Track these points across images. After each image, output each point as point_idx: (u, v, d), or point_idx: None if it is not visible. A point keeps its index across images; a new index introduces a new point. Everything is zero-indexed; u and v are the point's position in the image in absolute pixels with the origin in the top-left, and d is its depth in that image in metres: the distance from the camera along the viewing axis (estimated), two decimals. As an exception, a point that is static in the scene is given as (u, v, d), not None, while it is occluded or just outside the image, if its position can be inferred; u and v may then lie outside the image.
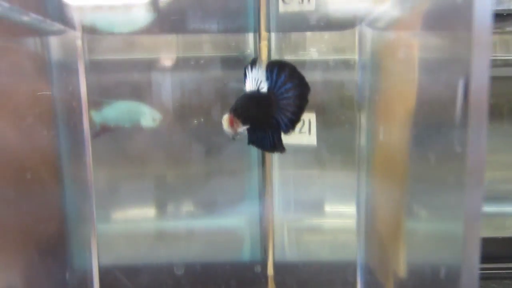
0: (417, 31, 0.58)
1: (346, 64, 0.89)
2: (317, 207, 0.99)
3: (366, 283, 0.91)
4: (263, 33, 0.90)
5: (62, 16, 0.78)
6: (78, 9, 0.75)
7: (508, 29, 1.03)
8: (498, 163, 1.10)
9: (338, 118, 0.92)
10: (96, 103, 0.91)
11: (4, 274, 0.63)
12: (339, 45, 0.89)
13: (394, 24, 0.68)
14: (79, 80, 0.88)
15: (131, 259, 0.98)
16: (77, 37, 0.88)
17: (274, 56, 0.93)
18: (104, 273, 0.95)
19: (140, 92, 0.93)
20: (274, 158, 0.96)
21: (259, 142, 0.72)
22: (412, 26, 0.60)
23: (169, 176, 0.98)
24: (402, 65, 0.65)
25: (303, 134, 0.92)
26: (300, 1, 0.83)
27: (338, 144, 0.93)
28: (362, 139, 0.89)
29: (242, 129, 0.67)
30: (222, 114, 0.90)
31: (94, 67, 0.90)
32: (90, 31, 0.87)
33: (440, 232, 0.54)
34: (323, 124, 0.91)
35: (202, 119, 0.93)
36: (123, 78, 0.92)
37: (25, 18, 0.67)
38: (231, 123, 0.67)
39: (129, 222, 0.98)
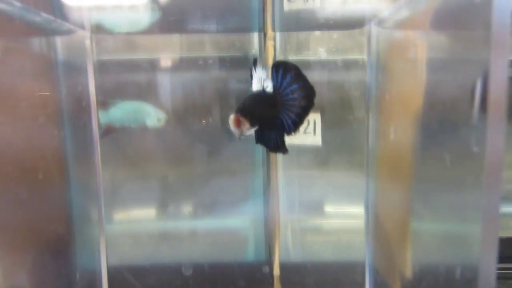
0: (430, 31, 0.57)
1: (354, 64, 0.89)
2: (323, 208, 0.99)
3: (375, 284, 0.90)
4: (270, 33, 0.89)
5: (71, 16, 0.77)
6: (87, 8, 0.75)
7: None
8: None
9: (345, 119, 0.91)
10: (102, 103, 0.90)
11: (12, 274, 0.63)
12: (346, 45, 0.89)
13: (405, 24, 0.68)
14: (88, 80, 0.88)
15: (137, 260, 0.97)
16: (86, 37, 0.88)
17: (279, 56, 0.92)
18: (111, 273, 0.95)
19: (145, 93, 0.93)
20: (279, 158, 0.96)
21: (264, 141, 0.72)
22: (424, 25, 0.60)
23: (174, 177, 0.97)
24: (413, 64, 0.64)
25: (308, 135, 0.92)
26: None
27: (345, 144, 0.93)
28: (371, 140, 0.88)
29: (249, 128, 0.67)
30: (226, 113, 0.91)
31: (100, 67, 0.90)
32: (98, 31, 0.87)
33: (452, 232, 0.53)
34: (330, 124, 0.91)
35: (210, 119, 0.93)
36: (129, 78, 0.92)
37: (37, 18, 0.66)
38: (238, 123, 0.66)
39: (135, 223, 0.98)
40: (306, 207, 0.99)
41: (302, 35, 0.93)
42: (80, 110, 0.86)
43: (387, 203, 0.84)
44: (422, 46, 0.61)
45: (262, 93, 0.70)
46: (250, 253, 1.00)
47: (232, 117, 0.67)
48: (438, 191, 0.59)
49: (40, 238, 0.71)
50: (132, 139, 0.94)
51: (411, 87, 0.67)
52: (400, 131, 0.73)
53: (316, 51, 0.91)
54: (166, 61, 0.93)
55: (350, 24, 0.85)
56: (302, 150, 0.94)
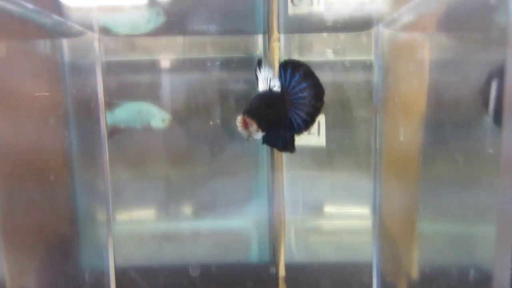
0: (439, 32, 0.58)
1: (362, 66, 0.89)
2: (327, 208, 0.99)
3: (383, 285, 0.90)
4: (275, 34, 0.90)
5: (80, 17, 0.78)
6: (96, 10, 0.75)
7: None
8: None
9: (351, 119, 0.92)
10: (107, 104, 0.90)
11: (20, 275, 0.63)
12: (351, 46, 0.89)
13: (414, 25, 0.68)
14: (96, 82, 0.88)
15: (141, 260, 0.97)
16: (94, 39, 0.88)
17: (284, 58, 0.92)
18: (117, 273, 0.95)
19: (151, 94, 0.93)
20: (284, 158, 0.96)
21: (272, 141, 0.72)
22: (434, 27, 0.60)
23: (178, 177, 0.97)
24: (422, 66, 0.65)
25: (312, 135, 0.92)
26: (310, 2, 0.83)
27: (350, 145, 0.93)
28: (378, 140, 0.89)
29: (257, 129, 0.67)
30: (232, 114, 0.92)
31: (105, 68, 0.90)
32: (105, 32, 0.88)
33: (463, 233, 0.53)
34: (335, 125, 0.91)
35: (218, 120, 0.93)
36: (134, 79, 0.92)
37: (48, 21, 0.66)
38: (245, 125, 0.66)
39: (138, 223, 0.98)
40: (310, 207, 0.99)
41: (306, 36, 0.93)
42: (88, 111, 0.86)
43: (393, 204, 0.84)
44: (432, 47, 0.61)
45: (269, 93, 0.70)
46: (254, 254, 1.00)
47: (239, 119, 0.67)
48: (447, 192, 0.59)
49: (48, 239, 0.71)
50: (136, 140, 0.94)
51: (420, 88, 0.67)
52: (407, 132, 0.73)
53: (320, 52, 0.91)
54: (172, 62, 0.93)
55: (358, 26, 0.85)
56: (307, 151, 0.94)
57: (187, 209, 0.99)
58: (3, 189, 0.60)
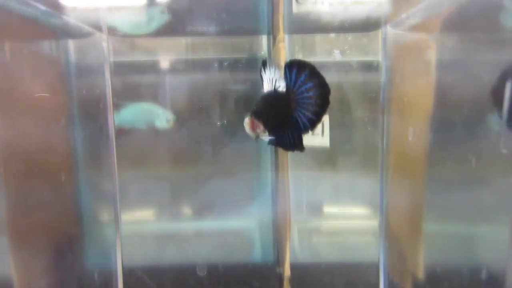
0: (450, 33, 0.58)
1: (369, 66, 0.90)
2: (332, 209, 0.99)
3: (390, 286, 0.90)
4: (281, 34, 0.90)
5: (87, 18, 0.78)
6: (103, 10, 0.75)
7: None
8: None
9: (356, 120, 0.92)
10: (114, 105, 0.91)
11: (28, 274, 0.63)
12: (357, 47, 0.89)
13: (424, 26, 0.68)
14: (105, 82, 0.88)
15: (144, 260, 0.97)
16: (103, 39, 0.88)
17: (289, 58, 0.92)
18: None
19: (155, 94, 0.93)
20: (289, 158, 0.96)
21: (278, 142, 0.72)
22: (444, 27, 0.60)
23: (182, 178, 0.97)
24: (431, 66, 0.65)
25: (316, 136, 0.92)
26: (314, 2, 0.83)
27: (355, 145, 0.93)
28: (385, 141, 0.89)
29: (264, 130, 0.67)
30: (237, 114, 0.92)
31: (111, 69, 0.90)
32: (112, 33, 0.88)
33: (472, 234, 0.54)
34: (340, 125, 0.91)
35: (225, 121, 0.93)
36: (138, 80, 0.92)
37: (58, 21, 0.66)
38: (252, 126, 0.67)
39: (141, 223, 0.98)
40: (314, 208, 0.99)
41: (310, 37, 0.93)
42: (98, 111, 0.86)
43: (399, 204, 0.85)
44: (440, 48, 0.61)
45: (274, 93, 0.70)
46: (258, 254, 1.00)
47: (246, 121, 0.67)
48: (453, 192, 0.59)
49: (56, 239, 0.71)
50: (141, 140, 0.94)
51: (427, 89, 0.67)
52: (414, 132, 0.73)
53: (326, 52, 0.91)
54: (175, 63, 0.93)
55: (365, 26, 0.86)
56: (310, 151, 0.94)
57: (191, 209, 0.99)
58: (12, 189, 0.60)
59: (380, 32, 0.86)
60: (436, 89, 0.64)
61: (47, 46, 0.70)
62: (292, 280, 0.96)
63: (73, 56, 0.79)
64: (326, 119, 0.92)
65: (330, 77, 0.90)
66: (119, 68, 0.90)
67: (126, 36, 0.89)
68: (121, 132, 0.92)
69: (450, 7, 0.56)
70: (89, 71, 0.86)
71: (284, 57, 0.90)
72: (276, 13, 0.85)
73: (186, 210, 0.99)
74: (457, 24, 0.57)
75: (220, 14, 0.83)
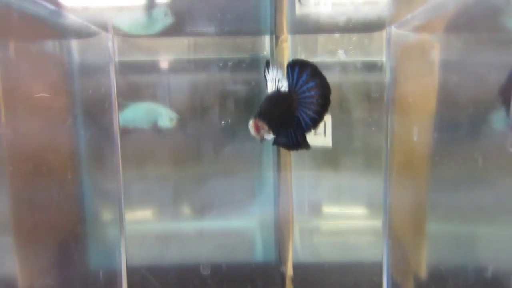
0: (455, 33, 0.58)
1: (373, 67, 0.90)
2: (334, 208, 0.99)
3: (393, 285, 0.91)
4: (285, 35, 0.90)
5: (94, 18, 0.78)
6: (109, 10, 0.75)
7: None
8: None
9: (358, 120, 0.92)
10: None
11: (32, 273, 0.63)
12: (360, 47, 0.90)
13: (428, 26, 0.69)
14: (110, 82, 0.88)
15: (147, 260, 0.97)
16: (108, 39, 0.88)
17: (291, 58, 0.93)
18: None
19: (157, 94, 0.93)
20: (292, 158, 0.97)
21: (283, 141, 0.73)
22: (450, 27, 0.60)
23: (185, 177, 0.97)
24: (435, 67, 0.65)
25: (318, 136, 0.93)
26: (317, 2, 0.83)
27: (361, 145, 0.93)
28: (389, 141, 0.89)
29: (268, 131, 0.68)
30: (237, 113, 0.92)
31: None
32: (117, 33, 0.88)
33: (477, 234, 0.54)
34: (343, 125, 0.91)
35: (229, 120, 0.93)
36: (141, 80, 0.92)
37: (64, 21, 0.67)
38: (257, 129, 0.67)
39: (142, 223, 0.98)
40: (316, 207, 0.99)
41: (314, 37, 0.93)
42: (102, 111, 0.86)
43: (402, 203, 0.85)
44: (444, 48, 0.62)
45: (277, 93, 0.71)
46: (259, 253, 1.01)
47: (251, 123, 0.67)
48: (460, 192, 0.59)
49: (61, 238, 0.71)
50: (144, 140, 0.94)
51: (431, 89, 0.67)
52: (420, 132, 0.74)
53: (329, 52, 0.91)
54: (176, 63, 0.94)
55: (369, 27, 0.86)
56: (313, 151, 0.95)
57: (194, 209, 0.99)
58: (17, 188, 0.60)
59: (384, 33, 0.87)
60: (440, 89, 0.64)
61: (53, 45, 0.70)
62: (294, 279, 0.96)
63: (79, 56, 0.80)
64: (328, 119, 0.92)
65: (334, 77, 0.91)
66: (122, 68, 0.91)
67: (129, 35, 0.89)
68: (124, 131, 0.92)
69: (454, 8, 0.56)
70: (95, 70, 0.86)
71: (287, 57, 0.90)
72: (280, 13, 0.86)
73: (189, 209, 0.99)
74: (461, 24, 0.57)
75: (223, 15, 0.83)
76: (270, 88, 0.73)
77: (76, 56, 0.79)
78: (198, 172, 0.97)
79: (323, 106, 0.69)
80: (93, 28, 0.83)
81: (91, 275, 0.83)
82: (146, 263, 0.96)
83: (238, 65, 0.93)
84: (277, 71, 0.71)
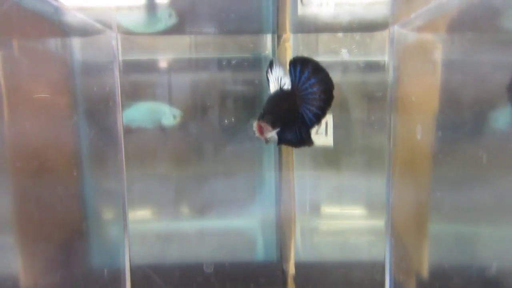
0: (459, 32, 0.58)
1: (376, 66, 0.90)
2: (335, 208, 0.99)
3: (395, 285, 0.91)
4: (287, 34, 0.90)
5: (99, 16, 0.78)
6: (114, 9, 0.76)
7: None
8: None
9: (360, 120, 0.92)
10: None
11: (35, 271, 0.63)
12: (365, 47, 0.90)
13: (431, 26, 0.69)
14: (114, 80, 0.88)
15: (154, 258, 0.98)
16: (113, 37, 0.88)
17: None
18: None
19: (160, 93, 0.93)
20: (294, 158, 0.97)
21: (287, 140, 0.73)
22: (454, 27, 0.60)
23: (187, 177, 0.98)
24: (438, 66, 0.65)
25: (320, 135, 0.93)
26: (319, 3, 0.83)
27: (364, 144, 0.94)
28: (392, 140, 0.89)
29: (273, 132, 0.68)
30: (239, 112, 0.92)
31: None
32: (121, 31, 0.88)
33: (479, 233, 0.54)
34: (344, 125, 0.91)
35: (233, 119, 0.93)
36: (144, 79, 0.93)
37: (69, 19, 0.67)
38: (261, 130, 0.67)
39: (143, 222, 0.98)
40: (318, 207, 0.99)
41: (315, 36, 0.93)
42: (107, 109, 0.86)
43: (405, 203, 0.85)
44: (448, 48, 0.62)
45: (280, 92, 0.71)
46: (261, 252, 1.01)
47: (255, 124, 0.68)
48: (462, 191, 0.59)
49: (64, 237, 0.71)
50: (147, 139, 0.95)
51: (433, 88, 0.68)
52: (422, 131, 0.74)
53: (332, 51, 0.92)
54: (179, 62, 0.94)
55: (372, 26, 0.86)
56: (314, 151, 0.95)
57: (196, 208, 0.99)
58: (20, 187, 0.60)
59: (387, 32, 0.87)
60: (442, 88, 0.65)
61: (58, 43, 0.70)
62: (296, 278, 0.96)
63: (83, 54, 0.80)
64: (330, 118, 0.92)
65: (336, 77, 0.91)
66: (126, 67, 0.91)
67: (133, 35, 0.89)
68: (127, 131, 0.92)
69: (457, 8, 0.56)
70: (99, 69, 0.86)
71: (289, 56, 0.91)
72: (282, 13, 0.86)
73: (192, 209, 0.99)
74: (463, 24, 0.57)
75: (226, 14, 0.83)
76: (273, 88, 0.73)
77: (80, 54, 0.79)
78: (200, 171, 0.97)
79: (326, 101, 0.69)
80: (98, 26, 0.83)
81: (94, 274, 0.84)
82: (148, 262, 0.96)
83: (240, 64, 0.93)
84: (279, 70, 0.72)
